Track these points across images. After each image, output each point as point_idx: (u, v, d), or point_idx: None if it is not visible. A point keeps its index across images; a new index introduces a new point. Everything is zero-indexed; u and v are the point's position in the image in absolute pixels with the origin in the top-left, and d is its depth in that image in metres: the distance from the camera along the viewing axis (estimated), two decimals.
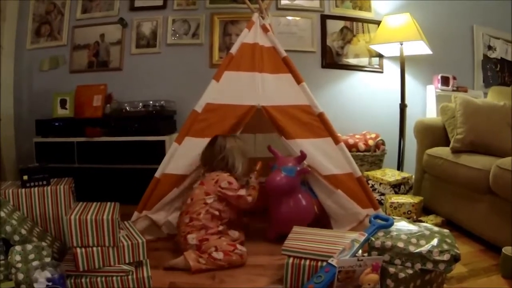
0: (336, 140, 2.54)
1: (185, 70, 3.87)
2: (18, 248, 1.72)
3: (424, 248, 1.63)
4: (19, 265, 1.66)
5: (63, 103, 3.70)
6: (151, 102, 3.57)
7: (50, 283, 1.57)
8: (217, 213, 2.21)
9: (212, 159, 2.36)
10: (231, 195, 2.25)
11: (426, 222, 2.37)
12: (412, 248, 1.64)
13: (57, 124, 3.57)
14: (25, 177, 2.16)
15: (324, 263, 1.68)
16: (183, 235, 2.18)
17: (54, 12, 4.05)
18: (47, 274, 1.59)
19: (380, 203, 2.89)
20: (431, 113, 3.69)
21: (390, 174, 3.18)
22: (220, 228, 2.21)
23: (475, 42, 3.98)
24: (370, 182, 3.13)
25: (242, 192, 2.28)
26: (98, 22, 3.97)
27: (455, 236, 1.79)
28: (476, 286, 1.88)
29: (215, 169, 2.35)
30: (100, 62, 3.97)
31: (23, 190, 2.14)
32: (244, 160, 2.43)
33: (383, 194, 3.06)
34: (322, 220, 2.51)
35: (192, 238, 2.14)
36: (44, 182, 2.21)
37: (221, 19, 3.87)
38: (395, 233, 1.74)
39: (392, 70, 3.90)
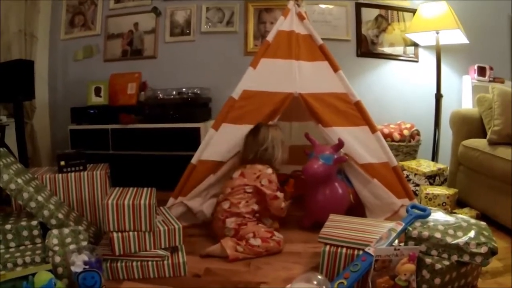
0: (373, 129, 2.51)
1: (220, 58, 3.88)
2: (55, 231, 1.77)
3: (461, 240, 1.60)
4: (56, 248, 1.69)
5: (97, 91, 3.76)
6: (184, 89, 3.59)
7: (87, 266, 1.60)
8: (255, 206, 2.25)
9: (255, 150, 2.36)
10: (269, 194, 2.26)
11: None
12: (449, 239, 1.61)
13: (91, 111, 3.63)
14: (62, 163, 2.21)
15: (361, 252, 1.68)
16: (221, 219, 2.20)
17: (87, 2, 4.11)
18: (84, 257, 1.63)
19: (415, 194, 2.84)
20: (467, 104, 3.59)
21: (425, 165, 3.13)
22: (255, 218, 2.24)
23: None
24: (405, 172, 3.08)
25: (280, 194, 2.30)
26: (131, 12, 4.01)
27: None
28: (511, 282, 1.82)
29: (256, 160, 2.35)
30: (134, 50, 4.02)
31: (60, 175, 2.19)
32: (283, 149, 2.44)
33: (417, 185, 3.02)
34: (357, 209, 2.50)
35: (230, 222, 2.17)
36: (81, 168, 2.27)
37: (255, 7, 3.86)
38: (432, 223, 1.72)
39: (427, 59, 3.81)
